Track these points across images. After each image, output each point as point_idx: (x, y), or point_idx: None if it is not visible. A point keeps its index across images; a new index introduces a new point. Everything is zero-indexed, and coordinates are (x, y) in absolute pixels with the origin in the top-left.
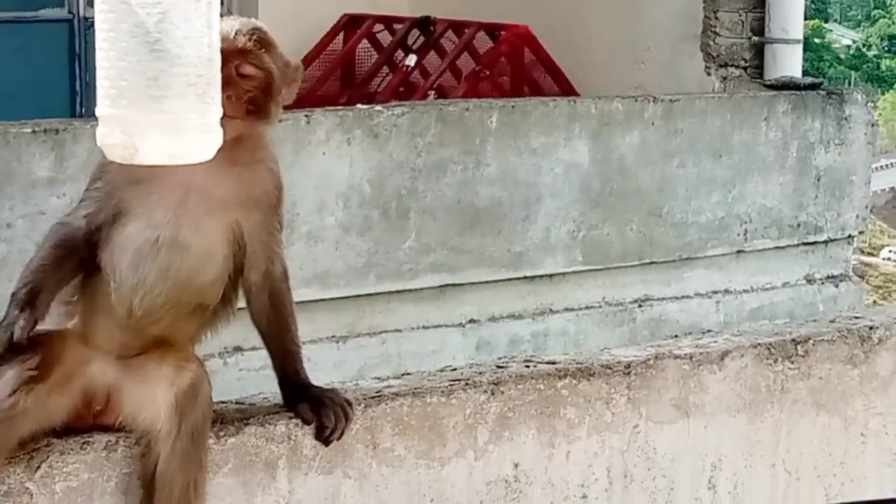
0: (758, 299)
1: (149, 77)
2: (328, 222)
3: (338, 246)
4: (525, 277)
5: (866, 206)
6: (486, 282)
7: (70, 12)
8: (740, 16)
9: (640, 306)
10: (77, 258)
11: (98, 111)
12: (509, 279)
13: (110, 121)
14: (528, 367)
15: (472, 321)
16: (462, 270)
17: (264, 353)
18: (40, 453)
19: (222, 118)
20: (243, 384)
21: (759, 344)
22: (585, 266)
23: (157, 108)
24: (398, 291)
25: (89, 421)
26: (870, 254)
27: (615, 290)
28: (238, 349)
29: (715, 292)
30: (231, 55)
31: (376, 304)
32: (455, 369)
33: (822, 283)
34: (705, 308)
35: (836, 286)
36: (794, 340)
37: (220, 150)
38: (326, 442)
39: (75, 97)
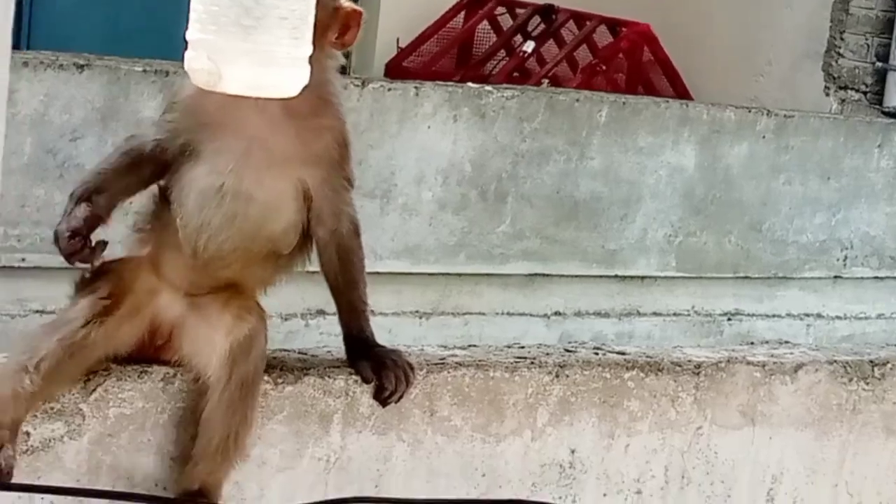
0: (850, 327)
1: (242, 6)
2: (425, 197)
3: (432, 222)
4: (616, 276)
5: None
6: (577, 276)
7: None
8: (866, 39)
9: (729, 319)
10: (144, 170)
11: (188, 35)
12: (600, 276)
13: (198, 45)
14: (596, 354)
15: (557, 313)
16: (553, 261)
17: None
18: (97, 376)
19: None
20: (340, 346)
21: (836, 361)
22: (678, 272)
23: (246, 37)
24: (487, 274)
25: (150, 353)
26: None
27: (706, 300)
28: (321, 312)
29: (807, 315)
30: None
31: (463, 284)
32: (523, 347)
33: None
34: (795, 329)
35: None
36: (871, 362)
37: (284, 106)
38: (384, 403)
39: None
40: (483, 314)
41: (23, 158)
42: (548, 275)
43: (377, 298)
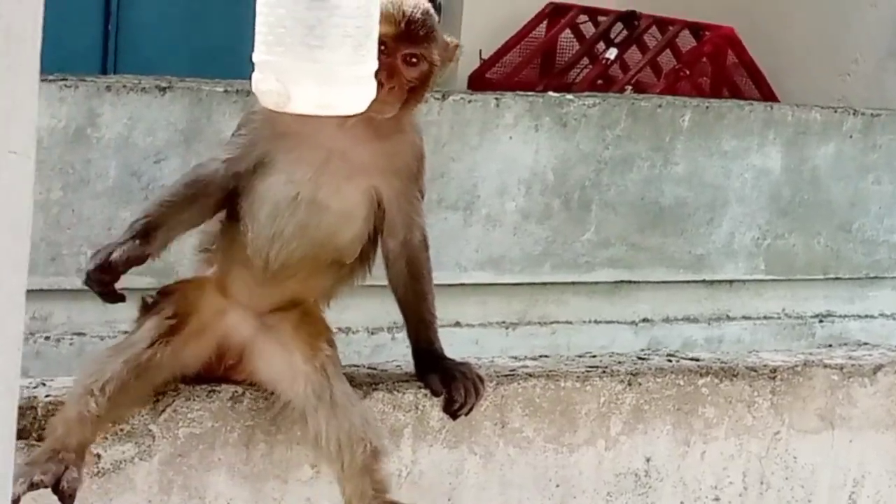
0: None
1: (306, 25)
2: (508, 207)
3: (516, 232)
4: (704, 281)
5: None
6: (664, 282)
7: None
8: None
9: (820, 321)
10: (209, 201)
11: (255, 57)
12: (687, 281)
13: (265, 67)
14: (669, 361)
15: (645, 320)
16: (639, 268)
17: None
18: (166, 397)
19: (378, 100)
20: (409, 360)
21: None
22: (767, 275)
23: (312, 56)
24: (573, 283)
25: (219, 373)
26: None
27: (796, 302)
28: None
29: None
30: (399, 43)
31: (550, 293)
32: (595, 356)
33: None
34: (889, 329)
35: None
36: None
37: (365, 119)
38: (454, 416)
39: None
40: (570, 323)
41: (108, 182)
42: (634, 282)
43: (463, 310)
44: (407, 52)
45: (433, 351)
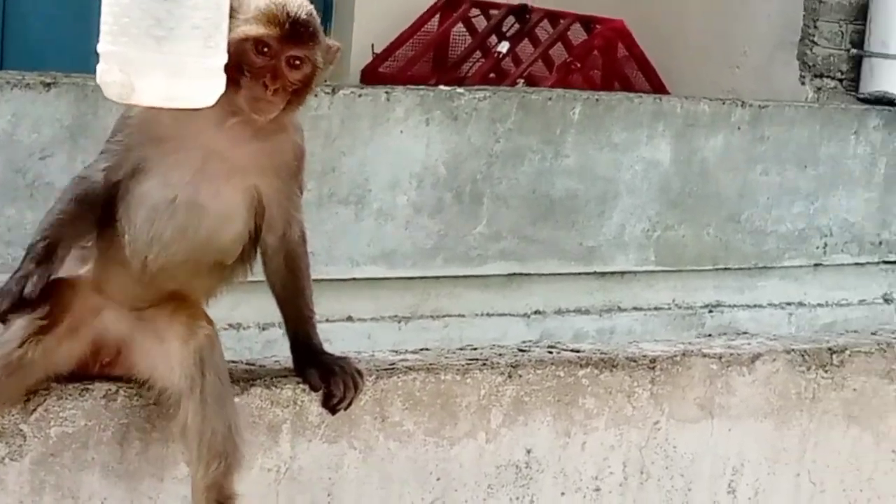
0: (832, 314)
1: (153, 16)
2: (400, 201)
3: (408, 226)
4: (595, 273)
5: None
6: (556, 274)
7: None
8: (840, 27)
9: (710, 311)
10: (96, 213)
11: (99, 47)
12: (579, 273)
13: (110, 58)
14: (550, 352)
15: (537, 312)
16: (531, 260)
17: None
18: (37, 396)
19: (261, 102)
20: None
21: (793, 350)
22: (658, 266)
23: (159, 48)
24: (465, 276)
25: (95, 370)
26: None
27: (686, 293)
28: None
29: (789, 304)
30: (284, 45)
31: (442, 287)
32: (475, 349)
33: None
34: (777, 319)
35: None
36: (829, 349)
37: (244, 119)
38: (333, 411)
39: None
40: (463, 316)
41: None
42: (526, 274)
43: (355, 305)
44: (291, 54)
45: (311, 346)
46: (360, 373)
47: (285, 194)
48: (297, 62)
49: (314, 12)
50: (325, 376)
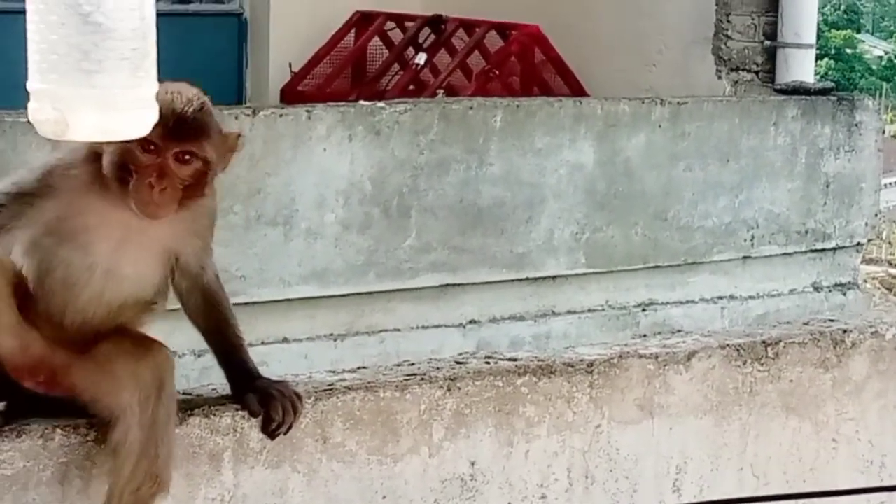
0: (763, 306)
1: (81, 50)
2: (328, 219)
3: (337, 243)
4: (527, 279)
5: (876, 214)
6: (488, 282)
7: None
8: (753, 20)
9: (643, 310)
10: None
11: (29, 86)
12: (511, 280)
13: (41, 96)
14: (487, 363)
15: (472, 322)
16: (463, 270)
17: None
18: None
19: (150, 203)
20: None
21: (728, 345)
22: (589, 269)
23: (89, 82)
24: (398, 290)
25: (25, 378)
26: None
27: (619, 293)
28: None
29: (720, 298)
30: (169, 142)
31: (375, 302)
32: (413, 364)
33: (830, 291)
34: (710, 313)
35: (844, 294)
36: (764, 342)
37: None
38: (273, 435)
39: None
40: (398, 330)
41: None
42: (459, 284)
43: (290, 325)
44: (179, 150)
45: (248, 371)
46: (298, 396)
47: (200, 247)
48: (187, 157)
49: (207, 104)
50: (264, 401)
